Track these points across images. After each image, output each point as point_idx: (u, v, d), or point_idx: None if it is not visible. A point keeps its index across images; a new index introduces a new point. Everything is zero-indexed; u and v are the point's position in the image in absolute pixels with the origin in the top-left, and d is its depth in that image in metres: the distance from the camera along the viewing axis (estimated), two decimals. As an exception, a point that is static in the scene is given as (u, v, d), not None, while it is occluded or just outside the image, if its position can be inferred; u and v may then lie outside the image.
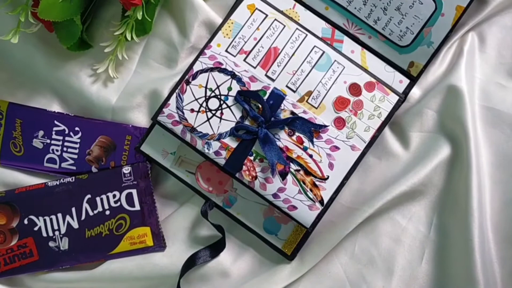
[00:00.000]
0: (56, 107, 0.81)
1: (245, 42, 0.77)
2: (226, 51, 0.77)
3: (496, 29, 0.81)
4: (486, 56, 0.80)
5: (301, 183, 0.74)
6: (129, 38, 0.77)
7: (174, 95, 0.75)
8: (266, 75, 0.76)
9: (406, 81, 0.78)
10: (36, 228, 0.76)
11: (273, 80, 0.76)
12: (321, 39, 0.78)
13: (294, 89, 0.76)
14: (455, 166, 0.76)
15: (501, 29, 0.81)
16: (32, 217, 0.76)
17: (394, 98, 0.76)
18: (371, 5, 0.77)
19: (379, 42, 0.78)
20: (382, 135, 0.77)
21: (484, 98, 0.79)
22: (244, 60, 0.76)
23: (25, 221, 0.76)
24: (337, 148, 0.75)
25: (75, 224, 0.76)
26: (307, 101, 0.76)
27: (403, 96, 0.77)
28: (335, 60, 0.77)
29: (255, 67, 0.76)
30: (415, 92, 0.80)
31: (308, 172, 0.74)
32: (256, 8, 0.78)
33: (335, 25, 0.79)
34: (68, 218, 0.76)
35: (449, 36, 0.76)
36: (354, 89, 0.76)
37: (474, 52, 0.80)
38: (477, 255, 0.72)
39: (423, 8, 0.76)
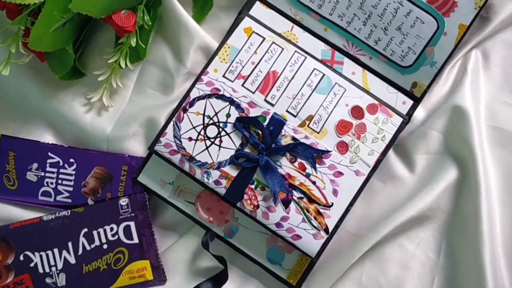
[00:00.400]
0: (49, 139, 0.80)
1: (243, 67, 0.76)
2: (224, 76, 0.76)
3: (500, 46, 0.80)
4: (490, 74, 0.79)
5: (305, 211, 0.72)
6: (123, 66, 0.76)
7: (171, 123, 0.74)
8: (265, 100, 0.75)
9: (410, 102, 0.77)
10: (32, 264, 0.74)
11: (272, 105, 0.75)
12: (320, 61, 0.77)
13: (295, 114, 0.75)
14: (463, 189, 0.75)
15: (505, 46, 0.80)
16: (28, 253, 0.75)
17: (398, 120, 0.75)
18: (371, 25, 0.76)
19: (381, 63, 0.77)
20: (386, 158, 0.76)
21: (490, 118, 0.78)
22: (242, 85, 0.75)
23: (21, 257, 0.74)
24: (340, 173, 0.73)
25: (72, 259, 0.75)
26: (308, 126, 0.75)
27: (407, 117, 0.76)
28: (336, 83, 0.76)
29: (253, 92, 0.75)
30: (419, 113, 0.79)
31: (311, 200, 0.73)
32: (253, 32, 0.77)
33: (334, 47, 0.78)
34: (64, 253, 0.75)
35: (452, 55, 0.75)
36: (357, 112, 0.75)
37: (478, 71, 0.79)
38: (489, 282, 0.71)
39: (424, 27, 0.75)
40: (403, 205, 0.75)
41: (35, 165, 0.77)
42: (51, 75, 0.77)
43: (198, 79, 0.76)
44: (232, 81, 0.75)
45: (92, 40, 0.81)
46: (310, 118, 0.75)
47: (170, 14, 0.78)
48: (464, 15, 0.74)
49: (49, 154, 0.77)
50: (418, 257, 0.76)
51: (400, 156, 0.78)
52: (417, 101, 0.77)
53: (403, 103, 0.76)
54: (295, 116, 0.75)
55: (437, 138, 0.77)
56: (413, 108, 0.77)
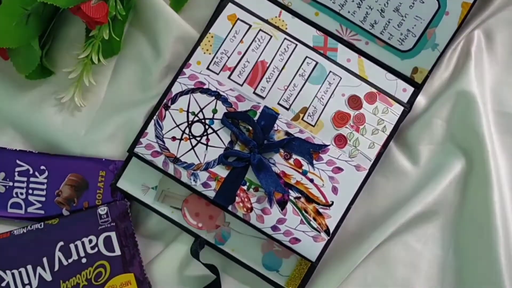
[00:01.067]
0: (17, 144, 0.78)
1: (228, 58, 0.74)
2: (208, 68, 0.74)
3: (504, 25, 0.79)
4: (495, 55, 0.79)
5: (303, 212, 0.70)
6: (95, 61, 0.75)
7: (152, 122, 0.72)
8: (254, 92, 0.74)
9: (410, 89, 0.75)
10: (3, 284, 0.72)
11: (263, 98, 0.74)
12: (313, 48, 0.75)
13: (287, 107, 0.73)
14: (471, 180, 0.75)
15: (509, 25, 0.79)
16: (-2, 271, 0.75)
17: (399, 109, 0.74)
18: (366, 8, 0.75)
19: (378, 48, 0.76)
20: (388, 151, 0.75)
21: (497, 103, 0.77)
22: (229, 77, 0.74)
23: (-9, 277, 0.74)
24: (340, 169, 0.72)
25: (47, 276, 0.72)
26: (302, 119, 0.73)
27: (408, 106, 0.75)
28: (330, 71, 0.74)
29: (241, 85, 0.74)
30: (421, 100, 0.77)
31: (309, 199, 0.71)
32: (238, 19, 0.75)
33: (327, 32, 0.76)
34: (39, 270, 0.72)
35: (454, 36, 0.74)
36: (354, 101, 0.74)
37: (482, 52, 0.78)
38: (506, 278, 0.70)
39: (424, 7, 0.74)
40: (408, 200, 0.74)
41: (2, 175, 0.75)
42: (16, 74, 0.75)
43: (179, 72, 0.74)
44: (218, 74, 0.74)
45: (60, 34, 0.80)
46: (304, 110, 0.73)
47: (145, 3, 0.77)
48: (468, -8, 0.73)
49: (17, 161, 0.75)
50: (426, 255, 0.75)
51: (403, 148, 0.77)
52: (418, 87, 0.76)
53: (404, 91, 0.75)
54: (287, 109, 0.73)
55: (441, 127, 0.76)
56: (414, 96, 0.75)
